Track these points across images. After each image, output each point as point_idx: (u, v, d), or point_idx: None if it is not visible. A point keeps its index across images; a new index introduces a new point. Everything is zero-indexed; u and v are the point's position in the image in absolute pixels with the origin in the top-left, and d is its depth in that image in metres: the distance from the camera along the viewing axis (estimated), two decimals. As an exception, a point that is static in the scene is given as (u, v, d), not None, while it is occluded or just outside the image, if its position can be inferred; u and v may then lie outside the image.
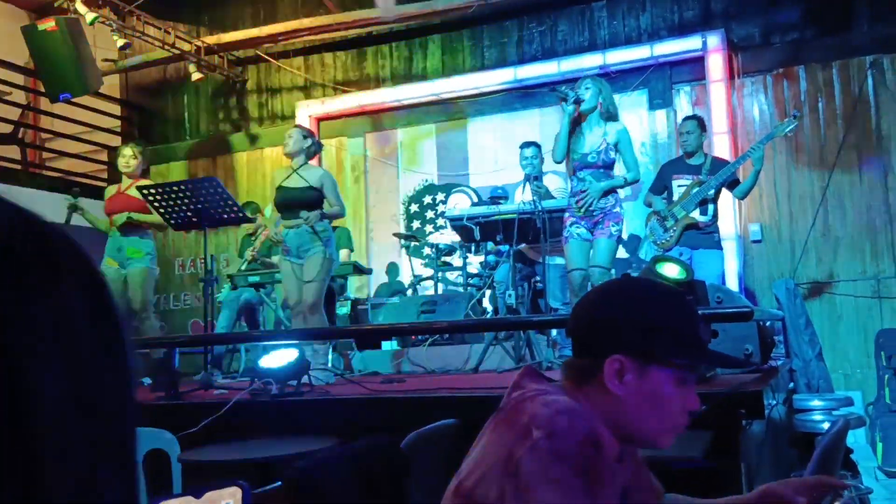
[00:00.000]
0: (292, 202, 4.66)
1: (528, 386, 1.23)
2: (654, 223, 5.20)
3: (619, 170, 4.52)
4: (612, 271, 4.48)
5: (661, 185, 5.30)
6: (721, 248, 5.27)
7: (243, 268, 6.61)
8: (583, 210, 4.29)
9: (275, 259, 6.59)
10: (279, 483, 1.39)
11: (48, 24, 7.03)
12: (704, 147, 5.46)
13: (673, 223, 5.11)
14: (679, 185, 5.20)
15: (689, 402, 1.22)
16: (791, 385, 4.88)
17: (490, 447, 1.16)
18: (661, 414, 1.21)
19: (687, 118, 5.48)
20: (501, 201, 6.24)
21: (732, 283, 6.27)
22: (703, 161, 5.24)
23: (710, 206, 5.13)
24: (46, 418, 0.42)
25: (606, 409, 1.19)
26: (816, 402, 4.32)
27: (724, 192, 5.32)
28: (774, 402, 3.31)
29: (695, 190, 5.09)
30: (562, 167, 5.46)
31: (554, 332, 5.17)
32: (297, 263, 4.66)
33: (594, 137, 4.33)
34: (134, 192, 5.25)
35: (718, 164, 5.24)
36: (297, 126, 5.13)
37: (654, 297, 1.26)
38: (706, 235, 5.11)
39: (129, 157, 5.46)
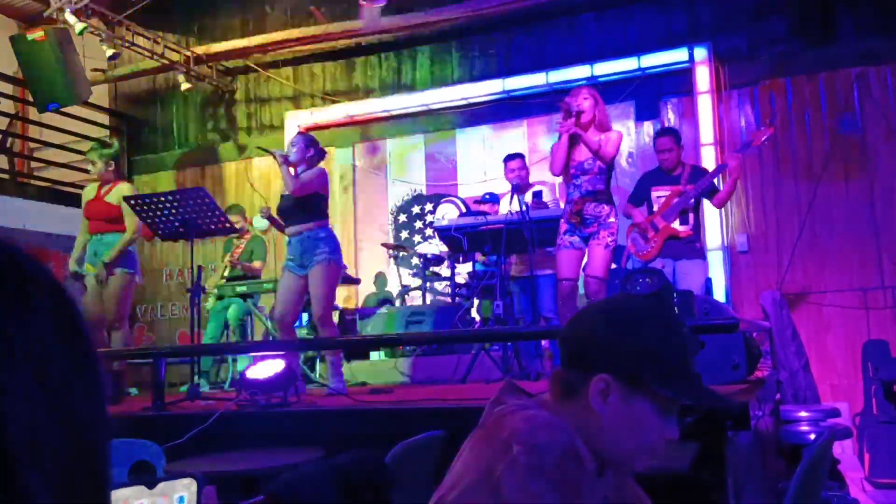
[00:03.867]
0: (286, 210, 4.62)
1: (509, 401, 1.23)
2: (635, 234, 5.22)
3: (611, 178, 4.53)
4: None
5: (640, 197, 5.31)
6: (704, 258, 5.28)
7: (226, 274, 6.59)
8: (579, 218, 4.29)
9: (256, 264, 6.56)
10: (262, 497, 1.38)
11: (37, 34, 7.01)
12: (685, 158, 5.47)
13: (654, 233, 5.13)
14: (658, 196, 5.22)
15: (668, 431, 1.22)
16: (778, 396, 4.89)
17: (471, 462, 1.15)
18: (638, 439, 1.20)
19: (662, 134, 5.41)
20: (487, 206, 6.24)
21: (719, 294, 6.30)
22: (681, 171, 5.26)
23: (690, 215, 5.15)
24: (19, 429, 0.43)
25: (585, 427, 1.19)
26: (803, 414, 4.34)
27: (708, 205, 5.35)
28: (761, 413, 3.32)
29: (674, 200, 5.12)
30: (549, 177, 5.47)
31: (545, 342, 5.16)
32: (298, 274, 4.53)
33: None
34: (113, 199, 5.06)
35: (697, 173, 5.26)
36: (300, 134, 5.03)
37: (654, 324, 1.24)
38: (688, 245, 5.12)
39: (91, 160, 5.19)
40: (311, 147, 4.69)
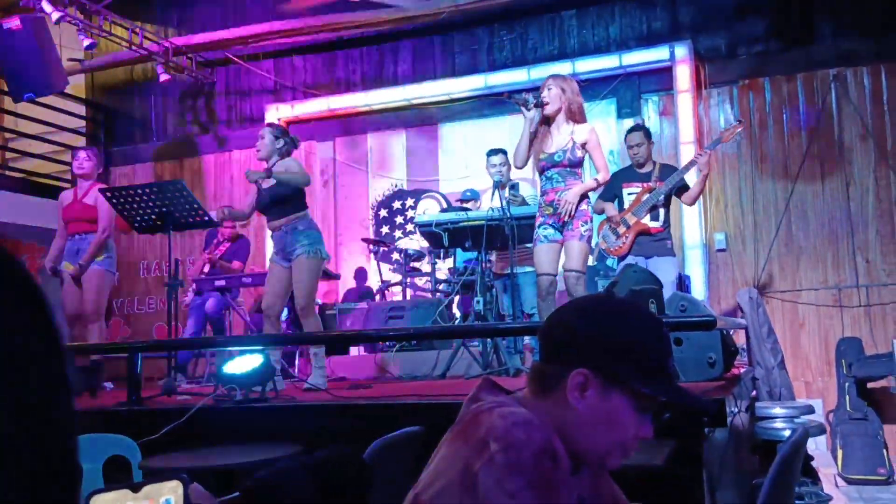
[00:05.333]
0: (264, 205, 4.60)
1: (486, 398, 1.23)
2: (607, 230, 5.26)
3: (588, 171, 4.51)
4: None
5: (611, 194, 5.34)
6: (674, 255, 5.31)
7: (206, 270, 6.54)
8: (565, 215, 4.25)
9: (236, 265, 6.54)
10: (237, 494, 1.37)
11: (13, 23, 6.90)
12: (665, 156, 5.51)
13: (625, 229, 5.17)
14: (629, 193, 5.26)
15: (643, 429, 1.22)
16: (753, 393, 4.94)
17: (447, 460, 1.15)
18: (613, 436, 1.21)
19: (633, 129, 5.49)
20: (471, 203, 6.24)
21: (697, 291, 6.34)
22: (652, 168, 5.31)
23: (661, 212, 5.18)
24: None
25: (561, 423, 1.19)
26: (778, 410, 4.38)
27: (679, 203, 5.40)
28: (737, 410, 3.35)
29: (645, 197, 5.16)
30: (529, 173, 5.47)
31: (527, 338, 5.18)
32: (284, 265, 4.55)
33: (561, 137, 4.31)
34: (90, 200, 5.29)
35: (667, 170, 5.30)
36: (268, 125, 4.99)
37: (635, 322, 1.25)
38: (658, 243, 5.16)
39: (82, 160, 5.52)
40: (281, 137, 4.66)
